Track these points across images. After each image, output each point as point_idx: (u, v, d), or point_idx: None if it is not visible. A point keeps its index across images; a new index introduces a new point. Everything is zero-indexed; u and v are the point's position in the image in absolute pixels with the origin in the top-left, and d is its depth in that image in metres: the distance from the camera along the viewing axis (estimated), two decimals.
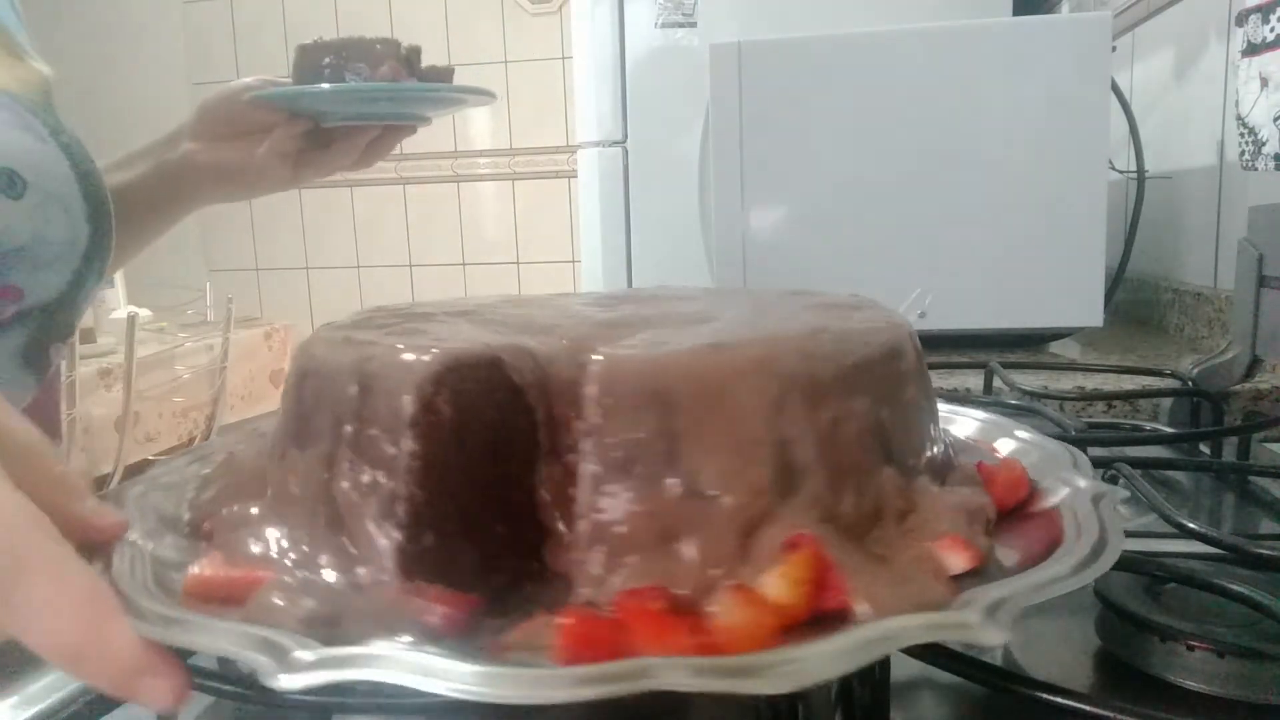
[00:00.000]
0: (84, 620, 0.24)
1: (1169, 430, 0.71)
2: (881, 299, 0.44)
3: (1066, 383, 0.86)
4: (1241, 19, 0.78)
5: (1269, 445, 0.71)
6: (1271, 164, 0.74)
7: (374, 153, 0.83)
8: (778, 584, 0.28)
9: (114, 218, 0.64)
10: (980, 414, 0.48)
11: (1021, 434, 0.45)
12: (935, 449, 0.39)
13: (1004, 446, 0.45)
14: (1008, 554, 0.32)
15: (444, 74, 0.80)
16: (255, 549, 0.34)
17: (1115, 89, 1.05)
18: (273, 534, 0.34)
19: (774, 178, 1.11)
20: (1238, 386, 0.76)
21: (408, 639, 0.27)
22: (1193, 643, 0.34)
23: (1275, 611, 0.35)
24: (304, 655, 0.25)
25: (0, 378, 0.59)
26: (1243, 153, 0.78)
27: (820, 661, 0.24)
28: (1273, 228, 0.69)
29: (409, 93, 0.78)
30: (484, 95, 0.82)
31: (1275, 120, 0.73)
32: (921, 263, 1.07)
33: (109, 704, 0.35)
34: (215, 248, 3.29)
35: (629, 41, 1.63)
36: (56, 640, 0.24)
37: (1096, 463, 0.52)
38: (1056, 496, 0.36)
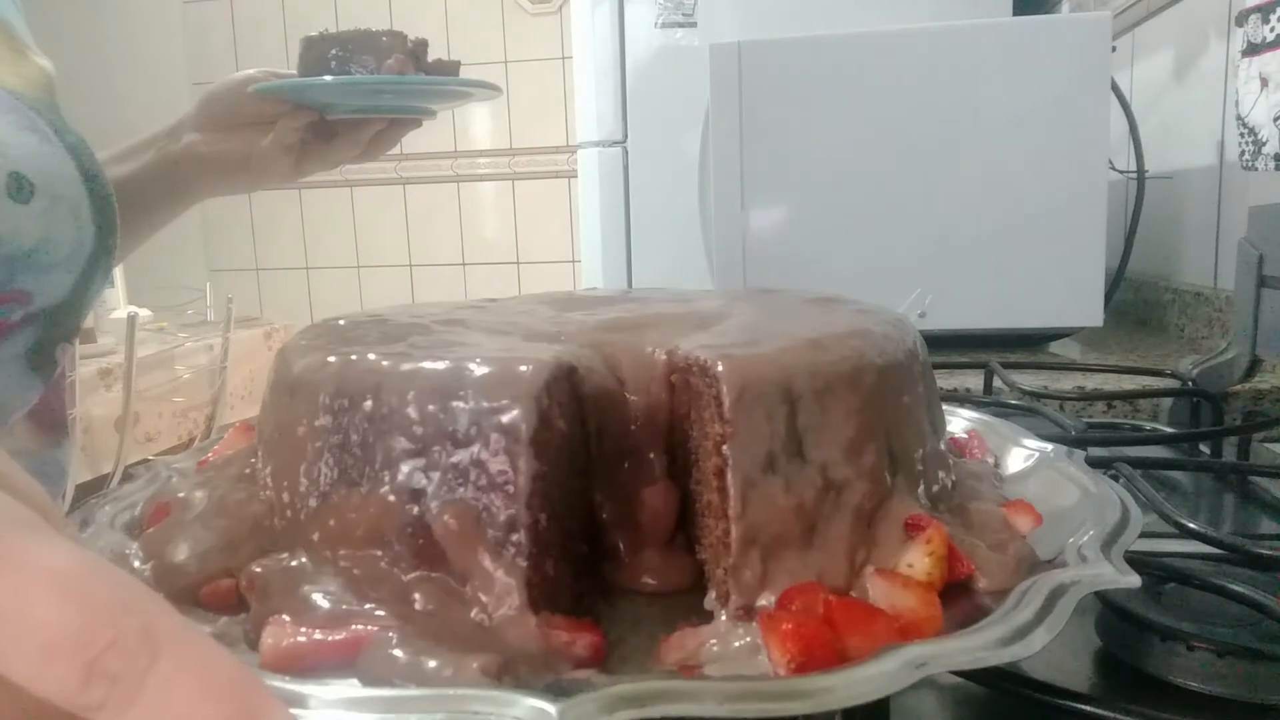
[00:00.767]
0: (237, 712, 0.18)
1: (1169, 430, 0.71)
2: (881, 299, 0.44)
3: (1066, 383, 0.87)
4: (1241, 19, 0.78)
5: (1269, 445, 0.71)
6: (1271, 164, 0.74)
7: (379, 146, 0.82)
8: (924, 562, 0.30)
9: (119, 216, 0.63)
10: (972, 414, 0.50)
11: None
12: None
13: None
14: None
15: (450, 68, 0.80)
16: (325, 604, 0.29)
17: (1115, 89, 1.05)
18: (336, 584, 0.30)
19: (774, 178, 1.11)
20: (1238, 386, 0.76)
21: (570, 674, 0.26)
22: (1193, 643, 0.35)
23: (1275, 611, 0.36)
24: (586, 701, 0.22)
25: (7, 381, 0.59)
26: (1243, 153, 0.78)
27: (865, 685, 0.24)
28: (1273, 228, 0.69)
29: (414, 86, 0.77)
30: (489, 89, 0.81)
31: (1275, 120, 0.73)
32: (921, 263, 1.07)
33: None
34: (215, 248, 3.29)
35: (629, 41, 1.63)
36: None
37: (1096, 463, 0.53)
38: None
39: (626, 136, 1.65)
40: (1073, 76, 1.01)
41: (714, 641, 0.28)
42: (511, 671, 0.25)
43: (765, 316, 0.41)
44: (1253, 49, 0.77)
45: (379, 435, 0.31)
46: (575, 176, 1.78)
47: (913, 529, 0.32)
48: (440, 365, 0.31)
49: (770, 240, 1.12)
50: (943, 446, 0.39)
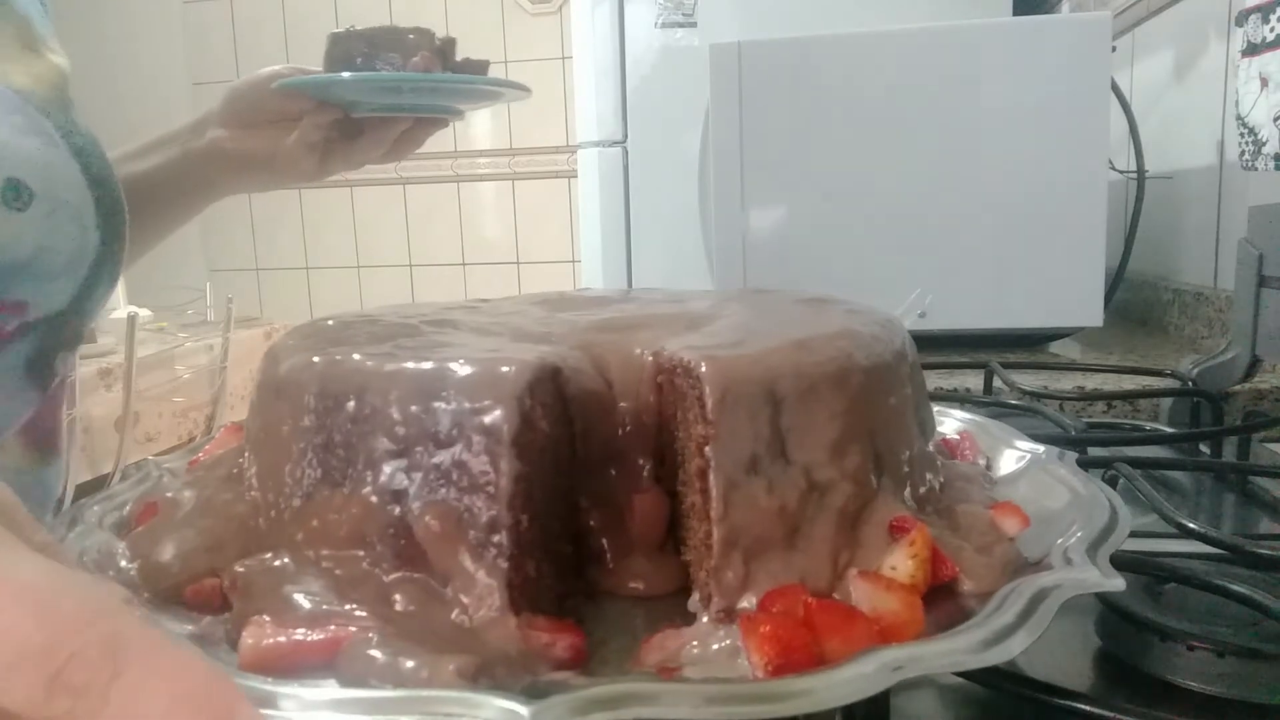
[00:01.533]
0: (207, 716, 0.18)
1: (1169, 430, 0.71)
2: (881, 299, 0.44)
3: (1066, 383, 0.86)
4: (1241, 19, 0.78)
5: (1269, 445, 0.71)
6: (1271, 164, 0.73)
7: (404, 146, 0.80)
8: (907, 564, 0.30)
9: (128, 220, 0.62)
10: (964, 415, 0.50)
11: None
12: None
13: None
14: None
15: (479, 67, 0.78)
16: (306, 604, 0.29)
17: (1115, 89, 1.05)
18: (318, 584, 0.30)
19: (774, 178, 1.11)
20: (1238, 386, 0.76)
21: (549, 675, 0.26)
22: (1193, 643, 0.34)
23: (1275, 611, 0.35)
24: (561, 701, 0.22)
25: (2, 392, 0.57)
26: (1243, 153, 0.78)
27: (842, 688, 0.24)
28: (1273, 228, 0.69)
29: (442, 84, 0.75)
30: (519, 90, 0.79)
31: (1275, 120, 0.73)
32: (921, 263, 1.07)
33: None
34: (215, 248, 3.29)
35: (629, 41, 1.63)
36: None
37: (1096, 463, 0.53)
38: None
39: (626, 136, 1.65)
40: (1073, 76, 1.01)
41: (694, 643, 0.28)
42: (489, 673, 0.25)
43: (755, 317, 0.41)
44: (1253, 49, 0.76)
45: (362, 436, 0.31)
46: (575, 176, 1.78)
47: (897, 531, 0.31)
48: (423, 366, 0.31)
49: (770, 240, 1.11)
50: (931, 448, 0.39)
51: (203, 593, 0.32)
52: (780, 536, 0.31)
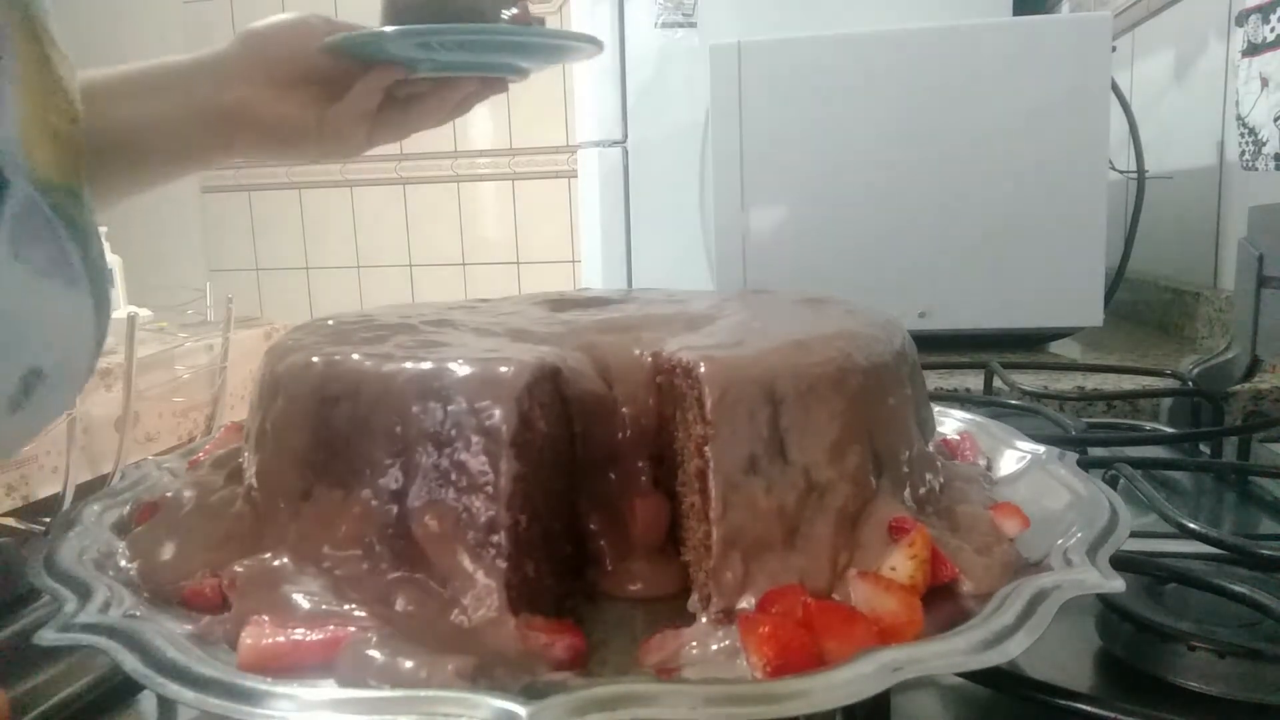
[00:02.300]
0: None
1: (1169, 430, 0.71)
2: (881, 299, 0.44)
3: (1066, 383, 0.86)
4: (1241, 19, 0.78)
5: (1269, 445, 0.71)
6: (1271, 164, 0.73)
7: (460, 108, 0.70)
8: (907, 565, 0.30)
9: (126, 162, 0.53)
10: (965, 415, 0.50)
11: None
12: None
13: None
14: None
15: (537, 20, 0.68)
16: (305, 604, 0.29)
17: (1115, 89, 1.05)
18: (317, 584, 0.30)
19: (774, 178, 1.11)
20: (1238, 386, 0.76)
21: (548, 676, 0.26)
22: (1193, 643, 0.34)
23: (1275, 611, 0.35)
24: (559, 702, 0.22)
25: None
26: (1243, 153, 0.78)
27: (841, 689, 0.24)
28: (1273, 228, 0.69)
29: (527, 39, 0.65)
30: (592, 44, 0.70)
31: (1275, 120, 0.73)
32: (921, 263, 1.07)
33: (109, 704, 0.35)
34: (215, 248, 3.29)
35: (629, 41, 1.63)
36: None
37: (1097, 463, 0.53)
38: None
39: (626, 136, 1.65)
40: (1073, 76, 1.01)
41: (694, 644, 0.28)
42: (488, 673, 0.25)
43: (754, 317, 0.40)
44: (1253, 49, 0.77)
45: (361, 436, 0.31)
46: (575, 176, 1.78)
47: (896, 531, 0.31)
48: (422, 366, 0.31)
49: (770, 240, 1.11)
50: (931, 448, 0.39)
51: (202, 593, 0.32)
52: (779, 537, 0.30)
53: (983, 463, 0.44)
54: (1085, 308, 1.04)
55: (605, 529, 0.35)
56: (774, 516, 0.30)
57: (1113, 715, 0.30)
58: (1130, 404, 0.81)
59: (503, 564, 0.29)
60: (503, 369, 0.30)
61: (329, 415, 0.32)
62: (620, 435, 0.36)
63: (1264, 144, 0.75)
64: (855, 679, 0.24)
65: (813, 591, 0.30)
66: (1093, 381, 0.86)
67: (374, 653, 0.26)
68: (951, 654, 0.25)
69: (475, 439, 0.29)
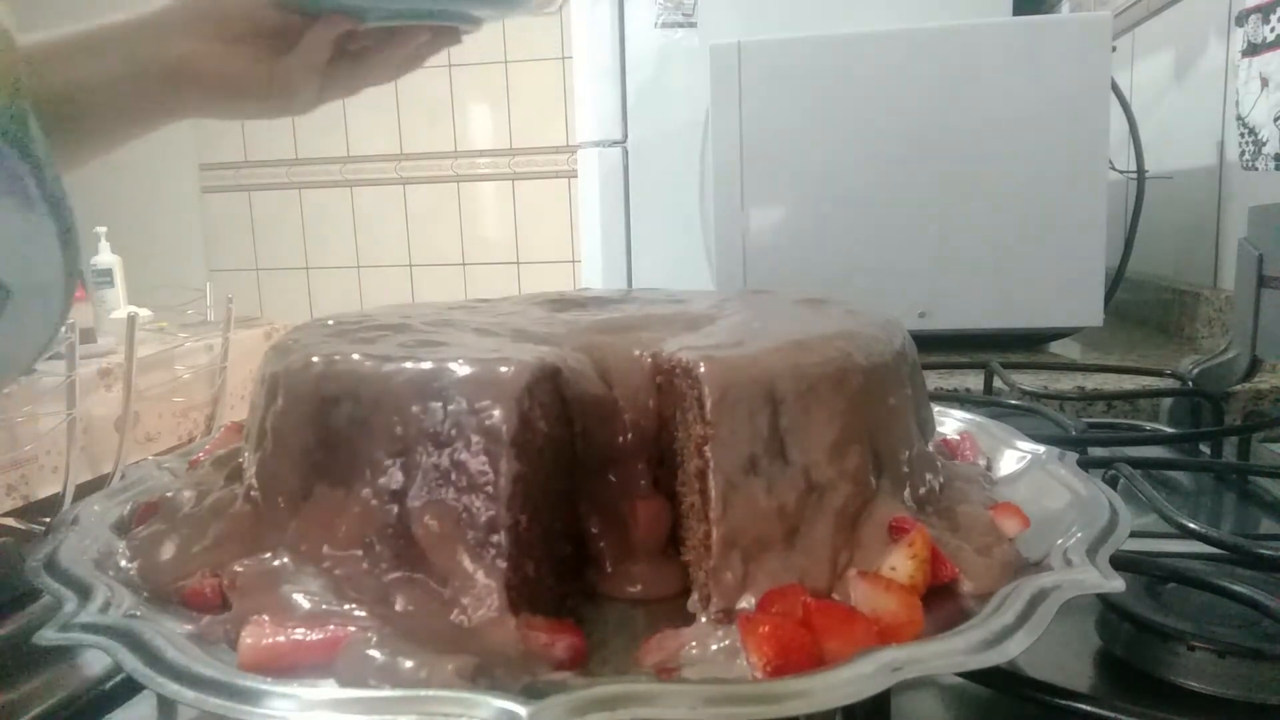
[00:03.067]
0: None
1: (1169, 430, 0.71)
2: (882, 299, 0.44)
3: (1066, 383, 0.86)
4: (1241, 19, 0.78)
5: (1269, 445, 0.71)
6: (1271, 164, 0.73)
7: (411, 62, 0.68)
8: (907, 565, 0.30)
9: (77, 126, 0.52)
10: (965, 415, 0.50)
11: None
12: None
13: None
14: None
15: None
16: (305, 604, 0.29)
17: (1115, 89, 1.05)
18: (317, 584, 0.30)
19: (774, 178, 1.11)
20: (1238, 386, 0.76)
21: (548, 676, 0.26)
22: (1193, 643, 0.34)
23: (1275, 611, 0.35)
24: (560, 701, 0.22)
25: None
26: (1243, 153, 0.78)
27: (841, 689, 0.24)
28: (1273, 228, 0.69)
29: None
30: None
31: (1275, 120, 0.73)
32: (921, 263, 1.07)
33: (109, 704, 0.35)
34: (215, 248, 3.29)
35: (629, 41, 1.63)
36: None
37: (1097, 463, 0.53)
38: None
39: (626, 136, 1.65)
40: (1073, 76, 1.01)
41: (693, 644, 0.28)
42: (488, 673, 0.25)
43: (754, 317, 0.40)
44: (1253, 49, 0.77)
45: (361, 436, 0.31)
46: (575, 176, 1.78)
47: (896, 531, 0.31)
48: (423, 366, 0.31)
49: (770, 240, 1.11)
50: (931, 448, 0.39)
51: (202, 592, 0.32)
52: (779, 537, 0.30)
53: (983, 463, 0.44)
54: (1085, 308, 1.04)
55: (605, 531, 0.35)
56: (774, 516, 0.30)
57: (1113, 715, 0.30)
58: (1130, 404, 0.81)
59: (503, 564, 0.29)
60: (503, 369, 0.30)
61: (329, 415, 0.32)
62: (620, 436, 0.36)
63: (1264, 144, 0.75)
64: (855, 679, 0.24)
65: (813, 591, 0.30)
66: (1093, 381, 0.86)
67: (374, 653, 0.26)
68: (951, 654, 0.25)
69: (475, 439, 0.29)
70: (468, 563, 0.29)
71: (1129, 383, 0.84)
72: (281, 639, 0.27)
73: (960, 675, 0.33)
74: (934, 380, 0.88)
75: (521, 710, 0.22)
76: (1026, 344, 1.10)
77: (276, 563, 0.31)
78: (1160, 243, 1.23)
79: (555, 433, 0.32)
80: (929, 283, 1.06)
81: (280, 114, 0.66)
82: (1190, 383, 0.76)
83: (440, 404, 0.30)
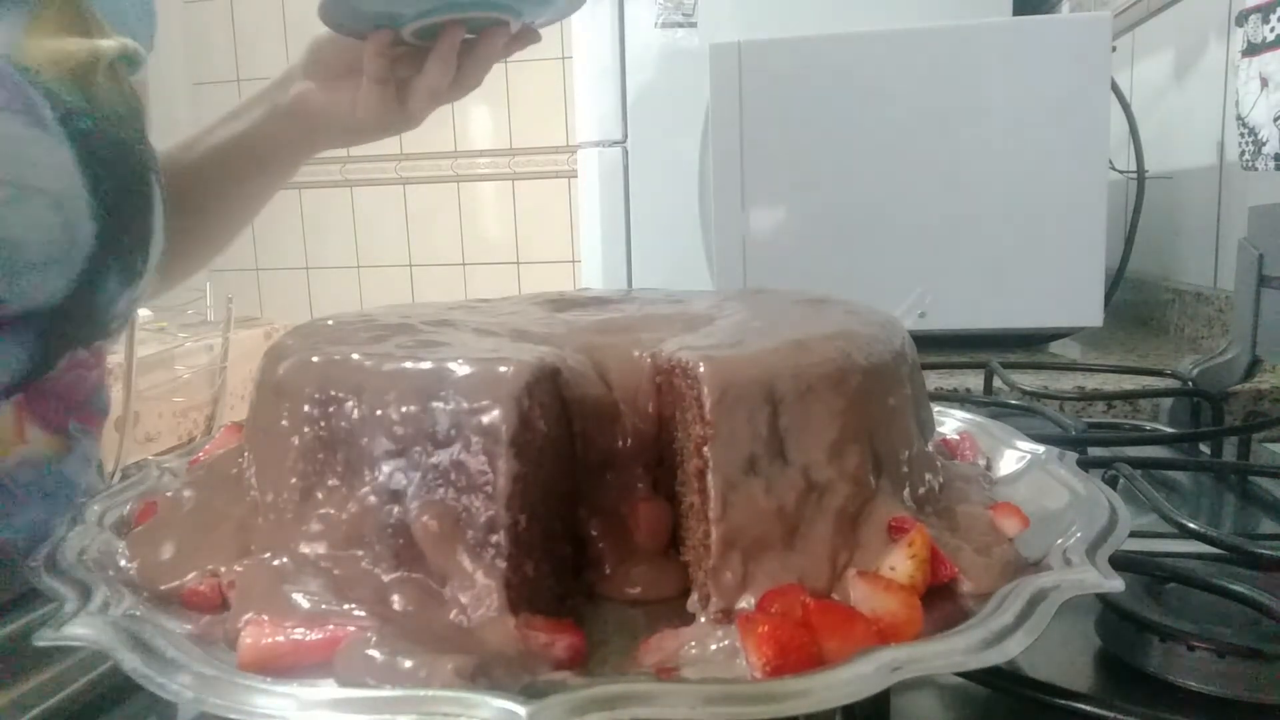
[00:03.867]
0: None
1: (1169, 430, 0.71)
2: (882, 299, 0.44)
3: (1066, 383, 0.86)
4: (1241, 19, 0.78)
5: (1269, 445, 0.71)
6: (1271, 164, 0.73)
7: (475, 66, 0.71)
8: (906, 565, 0.30)
9: (157, 206, 0.58)
10: (964, 415, 0.50)
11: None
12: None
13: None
14: None
15: None
16: (305, 604, 0.29)
17: (1115, 89, 1.05)
18: (317, 584, 0.30)
19: (774, 178, 1.11)
20: (1238, 386, 0.76)
21: (548, 675, 0.26)
22: (1193, 643, 0.34)
23: (1275, 611, 0.35)
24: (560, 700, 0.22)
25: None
26: (1243, 153, 0.78)
27: (841, 688, 0.24)
28: (1273, 228, 0.69)
29: None
30: None
31: (1275, 120, 0.73)
32: (921, 263, 1.07)
33: (109, 704, 0.35)
34: None
35: (629, 41, 1.63)
36: None
37: (1097, 463, 0.53)
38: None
39: (626, 136, 1.65)
40: (1073, 76, 1.01)
41: (693, 644, 0.28)
42: (487, 673, 0.25)
43: (753, 317, 0.40)
44: (1253, 49, 0.76)
45: (360, 435, 0.31)
46: (575, 176, 1.78)
47: (896, 531, 0.31)
48: (422, 366, 0.31)
49: (770, 240, 1.11)
50: (931, 448, 0.39)
51: (202, 592, 0.32)
52: (779, 537, 0.30)
53: (982, 463, 0.44)
54: (1085, 308, 1.04)
55: (606, 533, 0.35)
56: (773, 516, 0.30)
57: (1112, 715, 0.30)
58: (1130, 404, 0.81)
59: (502, 564, 0.29)
60: (502, 369, 0.30)
61: (329, 415, 0.32)
62: (620, 437, 0.36)
63: (1264, 144, 0.75)
64: (855, 679, 0.24)
65: (812, 591, 0.30)
66: (1093, 381, 0.86)
67: (373, 652, 0.26)
68: (951, 653, 0.25)
69: (474, 439, 0.29)
70: (467, 562, 0.29)
71: (1129, 383, 0.84)
72: (281, 639, 0.27)
73: (960, 675, 0.33)
74: (934, 380, 0.88)
75: (521, 710, 0.22)
76: (1026, 344, 1.10)
77: (276, 563, 0.31)
78: (1160, 243, 1.23)
79: (555, 433, 0.32)
80: (929, 283, 1.06)
81: (382, 131, 0.74)
82: (1190, 383, 0.76)
83: (440, 404, 0.30)
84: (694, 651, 0.28)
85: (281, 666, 0.27)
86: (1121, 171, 1.15)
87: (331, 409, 0.32)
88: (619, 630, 0.32)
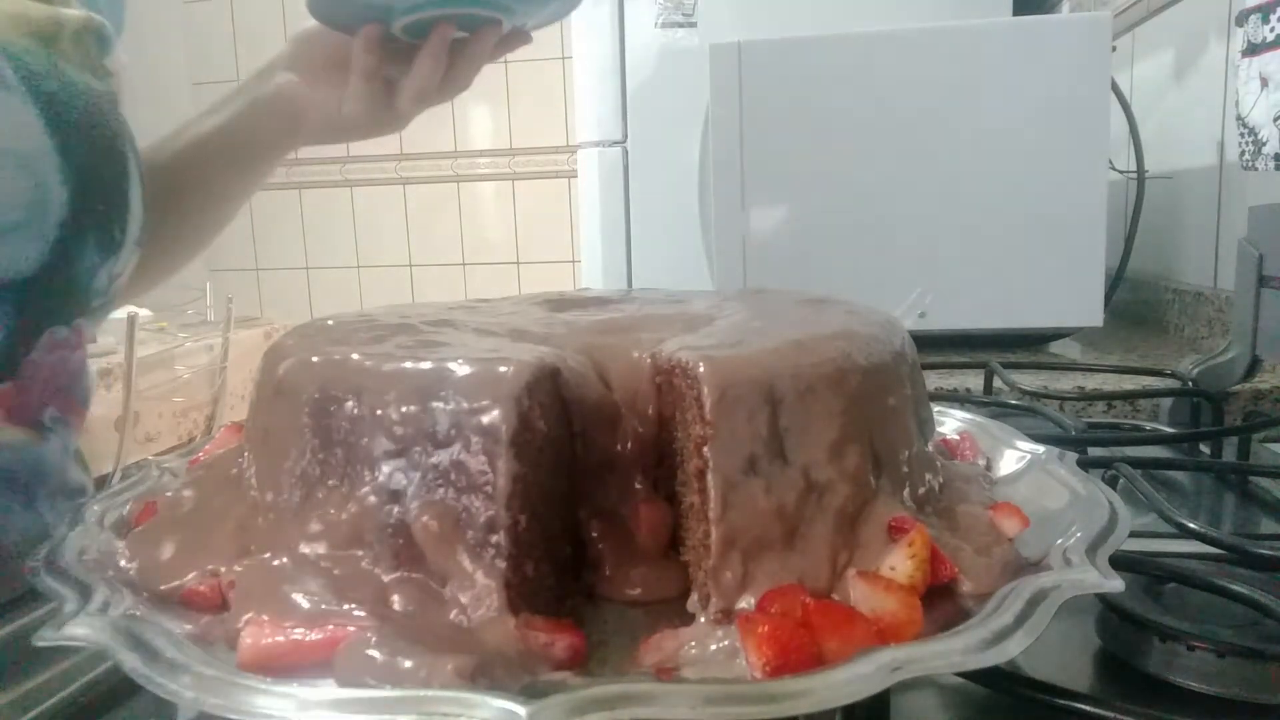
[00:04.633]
0: None
1: (1169, 430, 0.71)
2: (882, 299, 0.44)
3: (1066, 383, 0.86)
4: (1241, 19, 0.77)
5: (1269, 445, 0.71)
6: (1271, 164, 0.73)
7: (465, 65, 0.70)
8: (906, 565, 0.29)
9: (134, 177, 0.57)
10: (964, 415, 0.50)
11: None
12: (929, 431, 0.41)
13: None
14: None
15: None
16: (305, 604, 0.29)
17: (1115, 89, 1.05)
18: (317, 584, 0.30)
19: (774, 178, 1.11)
20: (1238, 386, 0.76)
21: (548, 675, 0.26)
22: (1193, 643, 0.34)
23: (1275, 611, 0.35)
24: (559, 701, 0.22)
25: None
26: (1243, 153, 0.78)
27: (841, 688, 0.24)
28: (1273, 228, 0.69)
29: None
30: None
31: (1275, 120, 0.73)
32: (922, 263, 1.07)
33: (109, 704, 0.35)
34: (215, 248, 3.27)
35: (629, 41, 1.63)
36: None
37: (1096, 463, 0.53)
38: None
39: (626, 136, 1.65)
40: (1073, 76, 1.01)
41: (693, 644, 0.28)
42: (487, 673, 0.25)
43: (753, 317, 0.40)
44: (1253, 49, 0.76)
45: (360, 436, 0.31)
46: (575, 176, 1.78)
47: (896, 531, 0.31)
48: (422, 366, 0.31)
49: (770, 240, 1.11)
50: (931, 448, 0.39)
51: (202, 592, 0.32)
52: (779, 537, 0.30)
53: (982, 463, 0.44)
54: (1085, 308, 1.04)
55: (606, 534, 0.35)
56: (773, 516, 0.30)
57: (1112, 715, 0.30)
58: (1130, 404, 0.81)
59: (502, 564, 0.29)
60: (502, 368, 0.30)
61: (329, 415, 0.32)
62: (620, 438, 0.36)
63: (1264, 144, 0.75)
64: (855, 679, 0.24)
65: (812, 591, 0.30)
66: (1093, 381, 0.86)
67: (373, 652, 0.26)
68: (951, 654, 0.25)
69: (474, 439, 0.29)
70: (467, 563, 0.29)
71: (1129, 383, 0.84)
72: (281, 639, 0.27)
73: (960, 675, 0.33)
74: (934, 380, 0.88)
75: (521, 710, 0.22)
76: (1026, 344, 1.10)
77: (276, 563, 0.31)
78: (1160, 243, 1.23)
79: (554, 433, 0.32)
80: (929, 283, 1.06)
81: (369, 131, 0.73)
82: (1190, 383, 0.76)
83: (440, 404, 0.30)
84: (694, 651, 0.28)
85: (281, 666, 0.27)
86: (1121, 171, 1.15)
87: (331, 409, 0.32)
88: (619, 630, 0.32)
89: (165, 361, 2.21)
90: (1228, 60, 1.01)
